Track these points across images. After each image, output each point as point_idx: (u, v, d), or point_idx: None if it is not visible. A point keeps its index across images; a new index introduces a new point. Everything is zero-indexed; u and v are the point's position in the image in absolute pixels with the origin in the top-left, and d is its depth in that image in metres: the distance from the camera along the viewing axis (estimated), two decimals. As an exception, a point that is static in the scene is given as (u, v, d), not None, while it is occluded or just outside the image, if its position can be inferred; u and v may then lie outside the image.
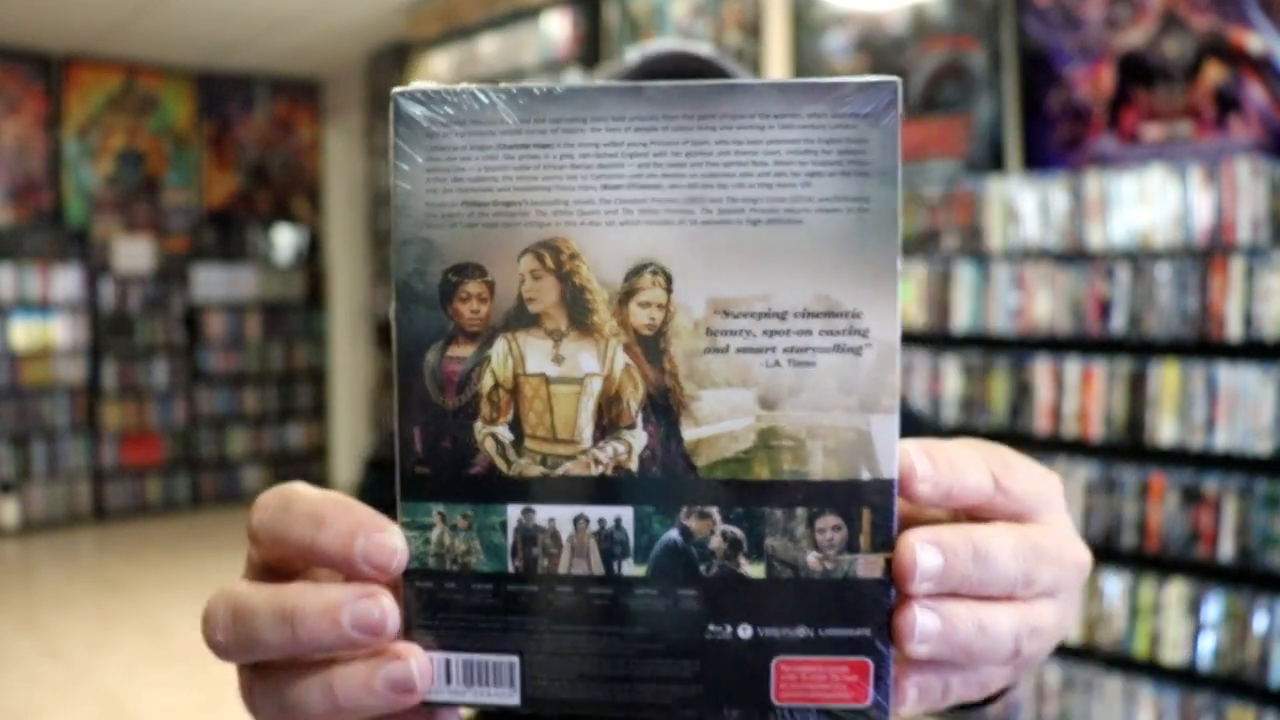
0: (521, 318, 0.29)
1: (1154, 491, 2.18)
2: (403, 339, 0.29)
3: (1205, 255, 2.12)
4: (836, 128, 0.28)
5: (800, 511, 0.28)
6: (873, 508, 0.28)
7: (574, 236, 0.28)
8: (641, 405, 0.29)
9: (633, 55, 0.81)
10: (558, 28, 3.62)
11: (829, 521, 0.28)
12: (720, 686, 0.29)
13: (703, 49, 0.80)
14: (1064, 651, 2.31)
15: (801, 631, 0.28)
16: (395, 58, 5.03)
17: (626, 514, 0.29)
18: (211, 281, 5.65)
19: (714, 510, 0.29)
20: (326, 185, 6.21)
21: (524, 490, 0.29)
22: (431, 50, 4.24)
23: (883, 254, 0.28)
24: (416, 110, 0.29)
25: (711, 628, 0.29)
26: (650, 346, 0.28)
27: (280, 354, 5.87)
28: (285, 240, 5.99)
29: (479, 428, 0.29)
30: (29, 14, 4.64)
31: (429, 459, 0.29)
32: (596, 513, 0.29)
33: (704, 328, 0.28)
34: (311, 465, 6.03)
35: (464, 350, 0.29)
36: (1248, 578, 2.07)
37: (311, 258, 6.10)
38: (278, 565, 0.31)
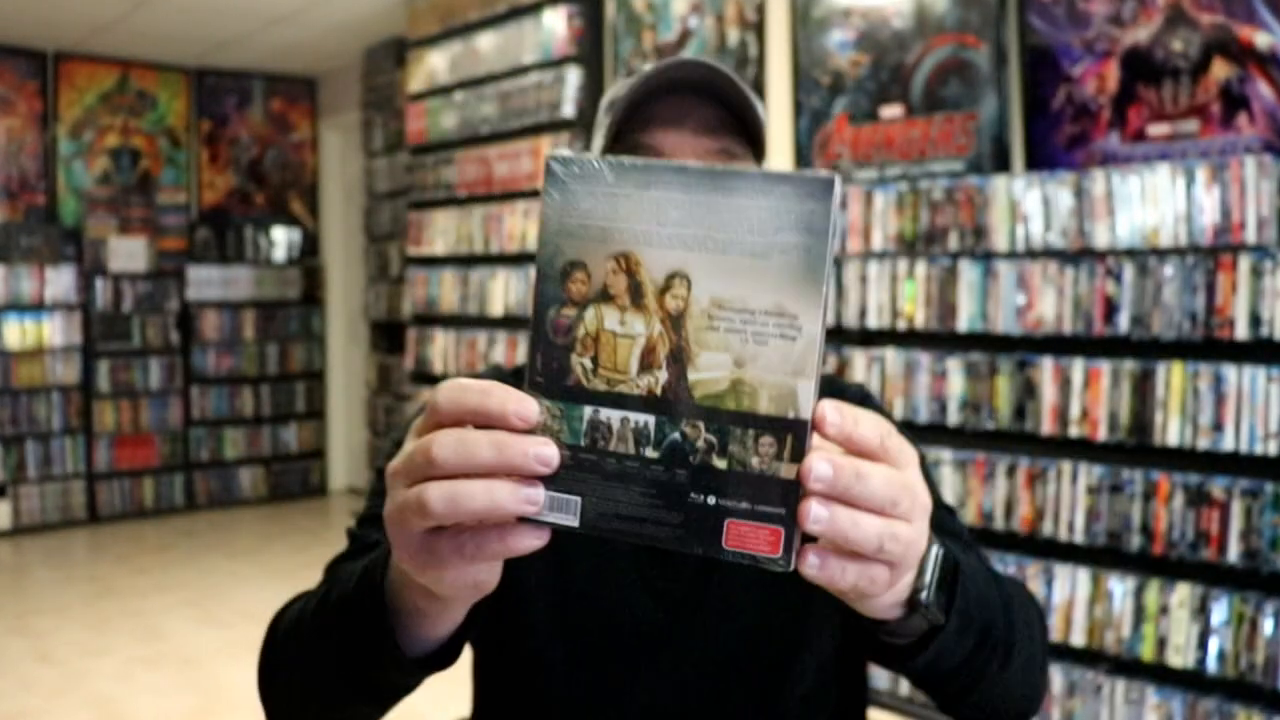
0: (604, 296, 0.47)
1: (1160, 493, 2.16)
2: (537, 302, 0.47)
3: (1212, 254, 2.10)
4: (794, 202, 0.44)
5: (751, 431, 0.45)
6: (794, 435, 0.44)
7: (638, 251, 0.46)
8: (666, 356, 0.46)
9: (647, 68, 0.84)
10: (557, 25, 3.59)
11: (767, 440, 0.45)
12: (694, 532, 0.46)
13: (720, 64, 0.83)
14: (1069, 655, 2.29)
15: (744, 505, 0.45)
16: (392, 55, 5.00)
17: (651, 419, 0.46)
18: (206, 281, 5.61)
19: (701, 424, 0.46)
20: (323, 183, 6.18)
21: (595, 398, 0.47)
22: (429, 47, 4.21)
23: (815, 280, 0.44)
24: (557, 167, 0.47)
25: (692, 495, 0.45)
26: (675, 321, 0.46)
27: (276, 354, 5.84)
28: (281, 239, 5.96)
29: (574, 358, 0.47)
30: (22, 11, 4.60)
31: (543, 374, 0.47)
32: (635, 417, 0.46)
33: (706, 314, 0.46)
34: (308, 466, 6.00)
35: (570, 312, 0.47)
36: (1255, 580, 2.05)
37: (307, 257, 6.06)
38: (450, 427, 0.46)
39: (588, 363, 0.46)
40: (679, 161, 0.48)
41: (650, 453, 0.46)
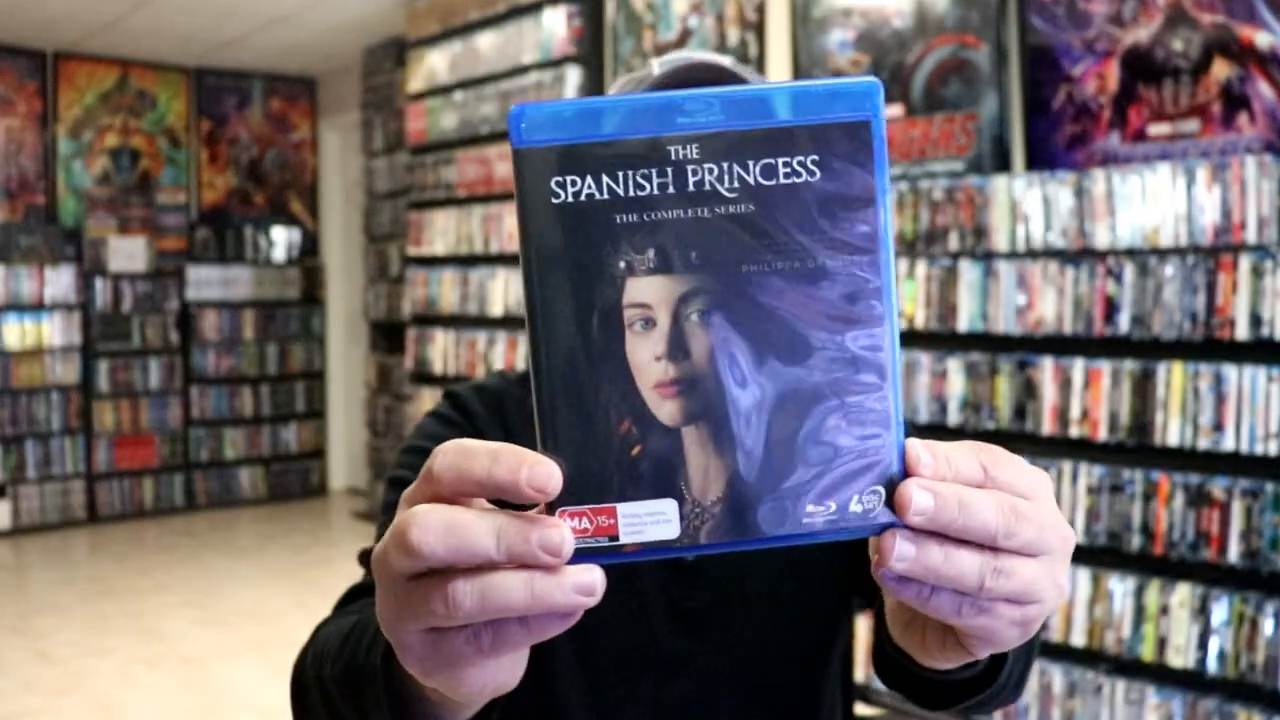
0: None
1: (1160, 493, 2.16)
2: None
3: (1212, 254, 2.10)
4: None
5: None
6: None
7: None
8: None
9: (655, 67, 0.81)
10: (556, 24, 3.59)
11: None
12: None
13: (724, 60, 0.81)
14: (1069, 655, 2.29)
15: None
16: (392, 54, 5.00)
17: None
18: (206, 281, 5.61)
19: None
20: (323, 183, 6.18)
21: None
22: (429, 47, 4.21)
23: None
24: None
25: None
26: None
27: (276, 354, 5.84)
28: (281, 239, 5.95)
29: None
30: (21, 10, 4.60)
31: None
32: None
33: None
34: (308, 466, 6.00)
35: None
36: (1256, 580, 2.05)
37: (307, 257, 6.06)
38: (450, 500, 0.38)
39: None
40: None
41: None
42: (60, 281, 5.15)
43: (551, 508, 0.37)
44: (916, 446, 0.38)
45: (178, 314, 5.52)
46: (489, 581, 0.36)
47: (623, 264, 0.37)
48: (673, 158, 0.37)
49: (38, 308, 5.09)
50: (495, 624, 0.37)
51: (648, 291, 0.37)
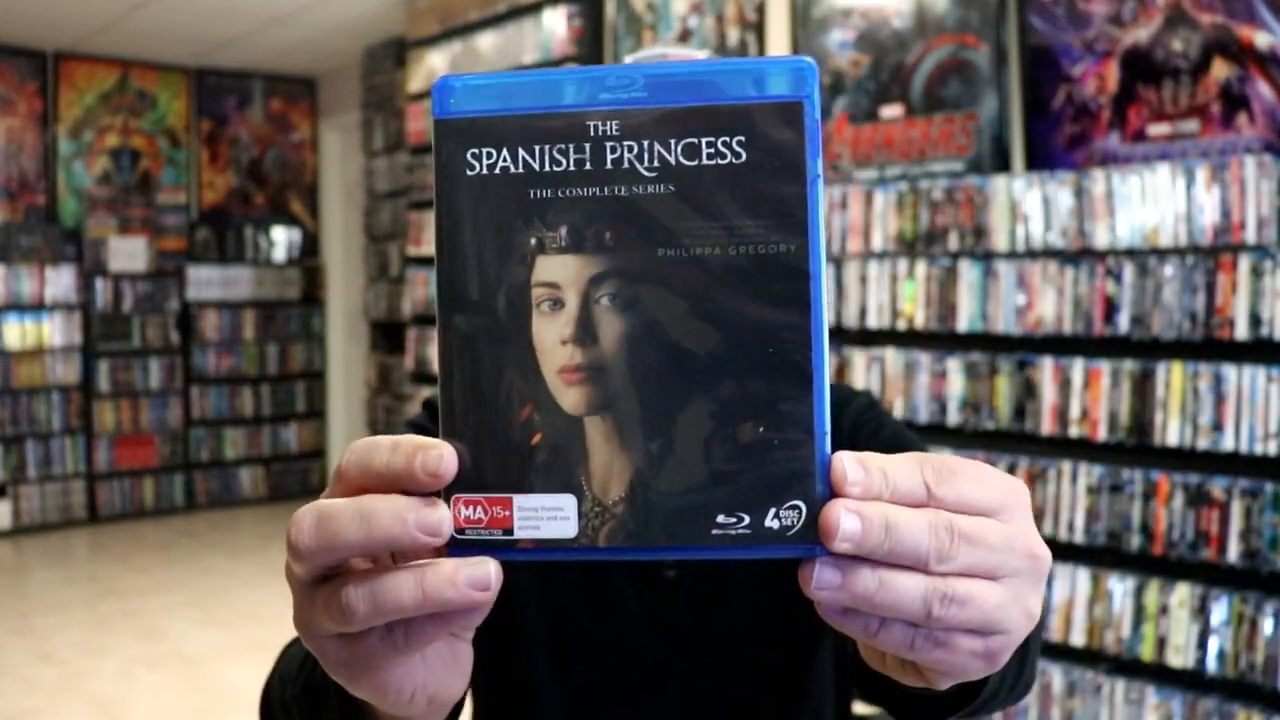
0: None
1: (1160, 493, 2.16)
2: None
3: (1211, 254, 2.10)
4: None
5: None
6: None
7: None
8: None
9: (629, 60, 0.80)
10: (556, 25, 3.60)
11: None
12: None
13: (697, 55, 0.79)
14: (1069, 655, 2.29)
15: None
16: (392, 55, 5.00)
17: None
18: (206, 281, 5.62)
19: None
20: (323, 183, 6.18)
21: None
22: (429, 47, 4.21)
23: None
24: None
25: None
26: None
27: (276, 354, 5.84)
28: (281, 239, 5.96)
29: None
30: (22, 10, 4.60)
31: None
32: None
33: None
34: (309, 466, 6.00)
35: None
36: (1255, 580, 2.05)
37: (307, 257, 6.07)
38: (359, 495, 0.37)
39: None
40: None
41: None
42: (61, 281, 5.15)
43: (448, 495, 0.35)
44: (846, 460, 0.34)
45: (178, 314, 5.52)
46: (378, 584, 0.34)
47: (533, 241, 0.35)
48: (591, 134, 0.35)
49: (38, 308, 5.09)
50: (406, 619, 0.35)
51: (557, 271, 0.35)
